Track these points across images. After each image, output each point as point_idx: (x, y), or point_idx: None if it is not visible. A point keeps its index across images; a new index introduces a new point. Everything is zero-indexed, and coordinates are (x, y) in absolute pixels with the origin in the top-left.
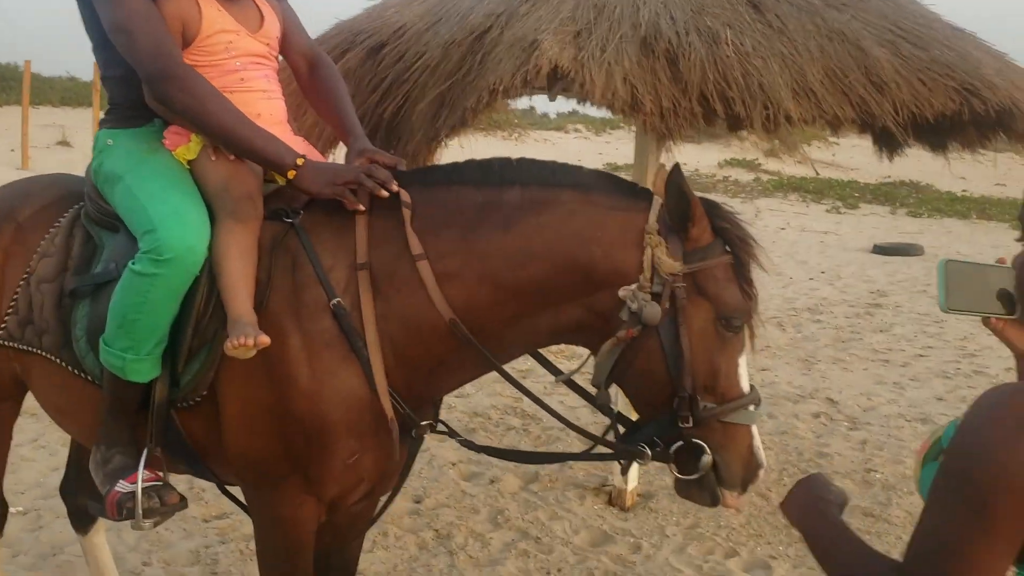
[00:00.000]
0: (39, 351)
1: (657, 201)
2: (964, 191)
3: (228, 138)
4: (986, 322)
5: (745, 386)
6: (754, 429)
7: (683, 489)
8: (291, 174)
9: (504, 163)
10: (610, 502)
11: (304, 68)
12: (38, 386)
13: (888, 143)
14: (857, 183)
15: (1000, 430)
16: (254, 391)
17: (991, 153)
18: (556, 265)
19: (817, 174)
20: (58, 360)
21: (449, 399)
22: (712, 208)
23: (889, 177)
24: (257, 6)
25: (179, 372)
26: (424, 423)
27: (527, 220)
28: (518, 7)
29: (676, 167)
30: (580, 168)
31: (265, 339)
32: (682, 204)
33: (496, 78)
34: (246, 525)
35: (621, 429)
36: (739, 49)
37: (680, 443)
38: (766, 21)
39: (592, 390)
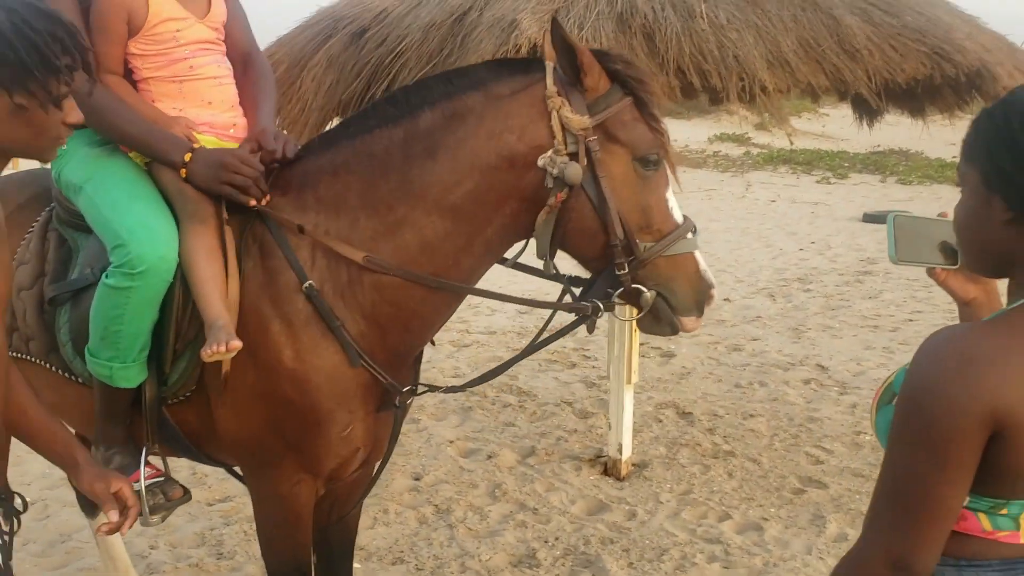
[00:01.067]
0: (28, 357)
1: (550, 66)
2: (954, 157)
3: (121, 137)
4: (930, 272)
5: (679, 218)
6: (697, 254)
7: (644, 326)
8: (183, 172)
9: (407, 90)
10: (605, 472)
11: (239, 65)
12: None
13: (867, 111)
14: (847, 153)
15: (944, 368)
16: (242, 379)
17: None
18: (485, 170)
19: (792, 144)
20: (48, 365)
21: (447, 379)
22: (601, 55)
23: (879, 146)
24: None
25: (166, 372)
26: (406, 389)
27: (446, 141)
28: None
29: (554, 22)
30: (473, 67)
31: (237, 343)
32: (571, 57)
33: (477, 58)
34: (249, 507)
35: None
36: (713, 22)
37: (623, 289)
38: None
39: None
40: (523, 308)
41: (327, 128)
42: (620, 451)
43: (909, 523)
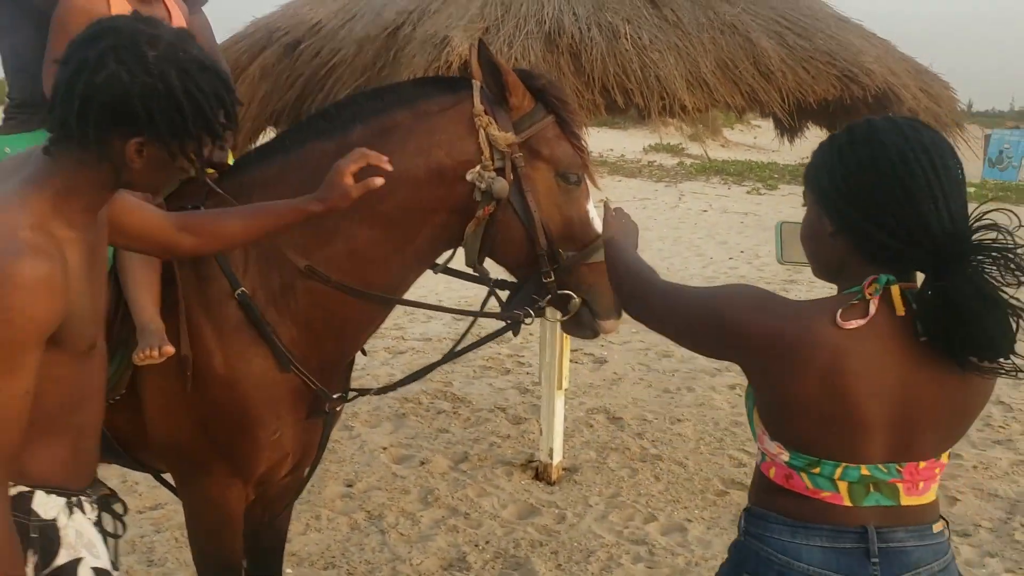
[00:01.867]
0: None
1: (476, 85)
2: None
3: None
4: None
5: (599, 228)
6: None
7: (568, 329)
8: None
9: (340, 106)
10: (537, 477)
11: None
12: None
13: (785, 127)
14: (777, 164)
15: (742, 304)
16: (173, 384)
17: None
18: (414, 183)
19: (707, 156)
20: None
21: (380, 386)
22: (525, 75)
23: (806, 158)
24: (167, 7)
25: None
26: (336, 395)
27: None
28: (429, 4)
29: (480, 44)
30: (402, 84)
31: (169, 348)
32: (496, 77)
33: (410, 73)
34: (179, 515)
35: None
36: (636, 43)
37: (550, 296)
38: (662, 15)
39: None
40: (476, 360)
41: (260, 138)
42: (551, 456)
43: None
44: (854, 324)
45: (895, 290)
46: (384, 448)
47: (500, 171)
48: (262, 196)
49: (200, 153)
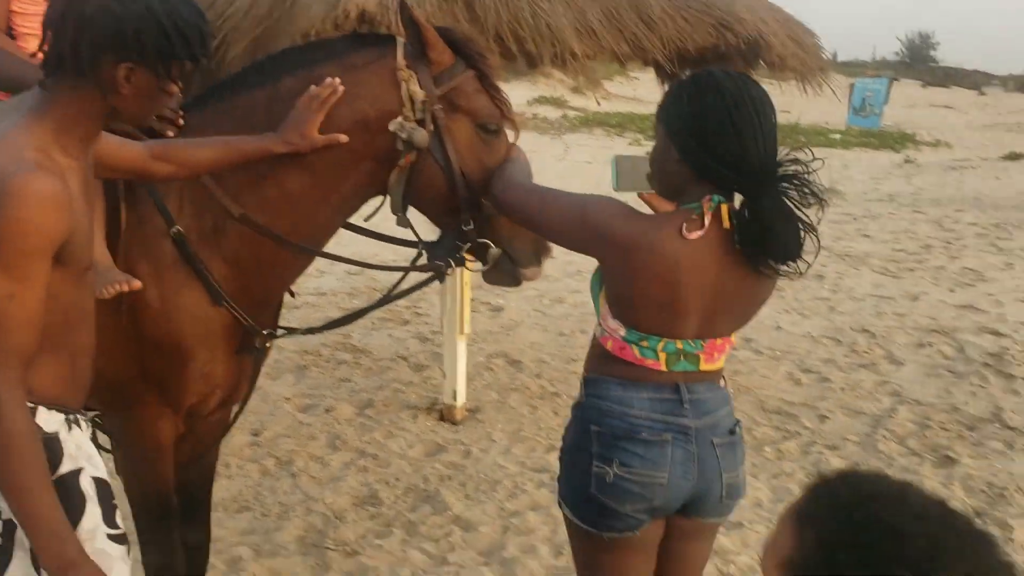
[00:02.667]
0: None
1: (400, 41)
2: None
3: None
4: (640, 196)
5: None
6: None
7: (489, 278)
8: None
9: (273, 58)
10: (442, 418)
11: None
12: None
13: (667, 76)
14: None
15: (609, 212)
16: (108, 318)
17: (777, 82)
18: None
19: (599, 104)
20: None
21: (279, 341)
22: (446, 32)
23: None
24: None
25: None
26: (266, 332)
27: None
28: None
29: (402, 3)
30: (332, 39)
31: (138, 284)
32: (417, 34)
33: (307, 23)
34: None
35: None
36: None
37: (470, 244)
38: None
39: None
40: (353, 269)
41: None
42: (455, 398)
43: None
44: (695, 235)
45: (724, 208)
46: (287, 398)
47: (421, 122)
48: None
49: (184, 77)
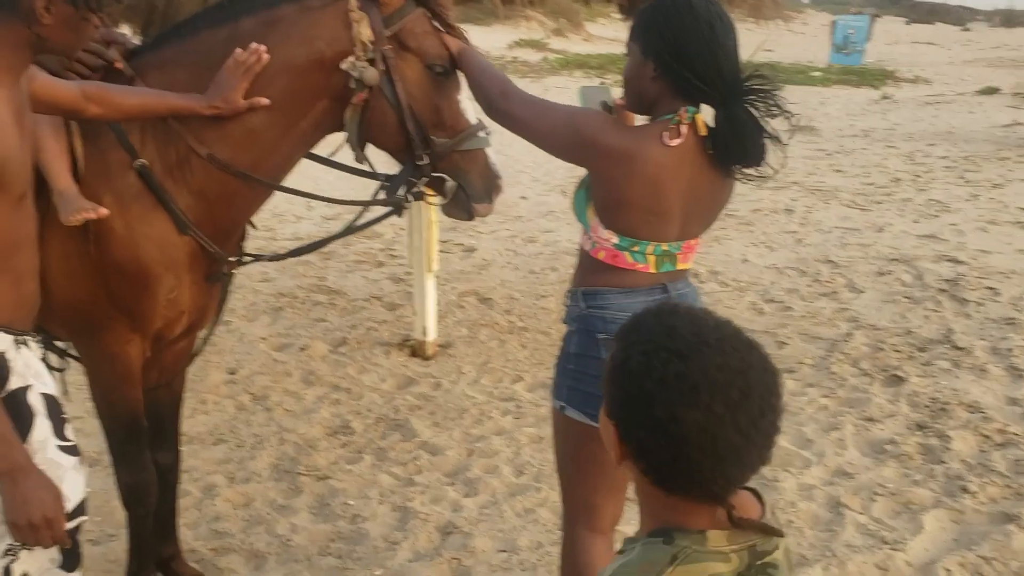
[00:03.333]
0: None
1: None
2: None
3: None
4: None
5: (471, 119)
6: (488, 151)
7: (446, 211)
8: None
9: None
10: (413, 354)
11: None
12: None
13: (628, 9)
14: None
15: (597, 124)
16: (75, 246)
17: (760, 21)
18: (297, 70)
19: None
20: None
21: (255, 284)
22: None
23: None
24: None
25: None
26: (232, 259)
27: (264, 43)
28: None
29: None
30: None
31: (105, 211)
32: None
33: None
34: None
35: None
36: None
37: (425, 179)
38: None
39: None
40: (329, 214)
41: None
42: (425, 334)
43: None
44: (675, 142)
45: (699, 117)
46: (263, 338)
47: (372, 62)
48: (158, 76)
49: (99, 7)
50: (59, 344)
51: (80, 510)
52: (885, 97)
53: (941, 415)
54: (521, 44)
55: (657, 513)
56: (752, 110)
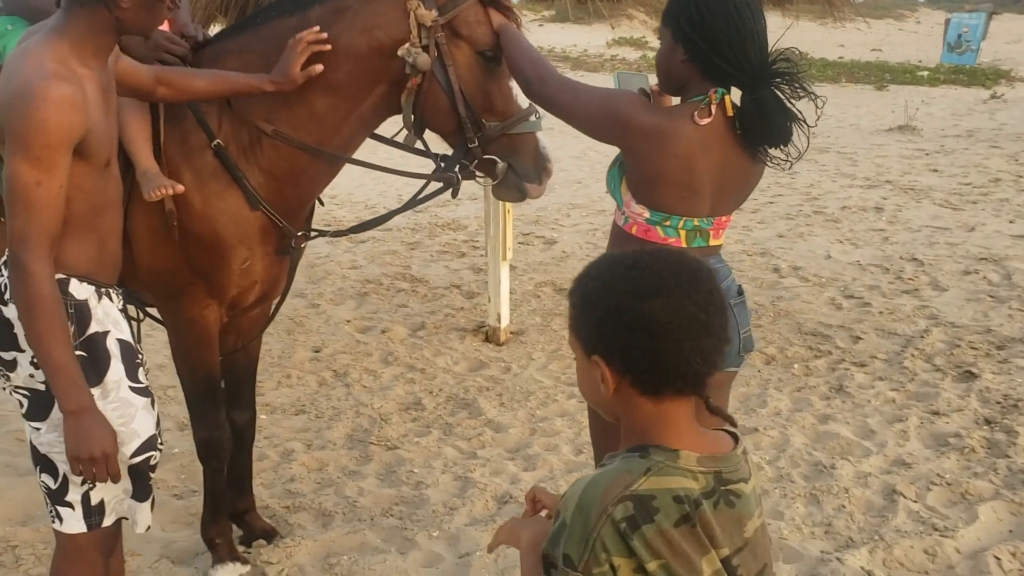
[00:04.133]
0: None
1: None
2: (840, 57)
3: None
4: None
5: (522, 104)
6: (539, 135)
7: (497, 193)
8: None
9: None
10: (487, 339)
11: None
12: None
13: None
14: None
15: (632, 103)
16: (158, 219)
17: (869, 20)
18: (359, 57)
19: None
20: None
21: (344, 271)
22: None
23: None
24: None
25: None
26: (299, 233)
27: (330, 31)
28: None
29: None
30: None
31: (181, 188)
32: None
33: None
34: (161, 377)
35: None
36: None
37: (477, 160)
38: None
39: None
40: (394, 204)
41: (212, 26)
42: (499, 320)
43: None
44: (705, 121)
45: (727, 99)
46: (348, 320)
47: (425, 48)
48: (235, 60)
49: None
50: (149, 310)
51: (150, 444)
52: (995, 96)
53: (1012, 411)
54: (620, 42)
55: (639, 431)
56: (779, 93)
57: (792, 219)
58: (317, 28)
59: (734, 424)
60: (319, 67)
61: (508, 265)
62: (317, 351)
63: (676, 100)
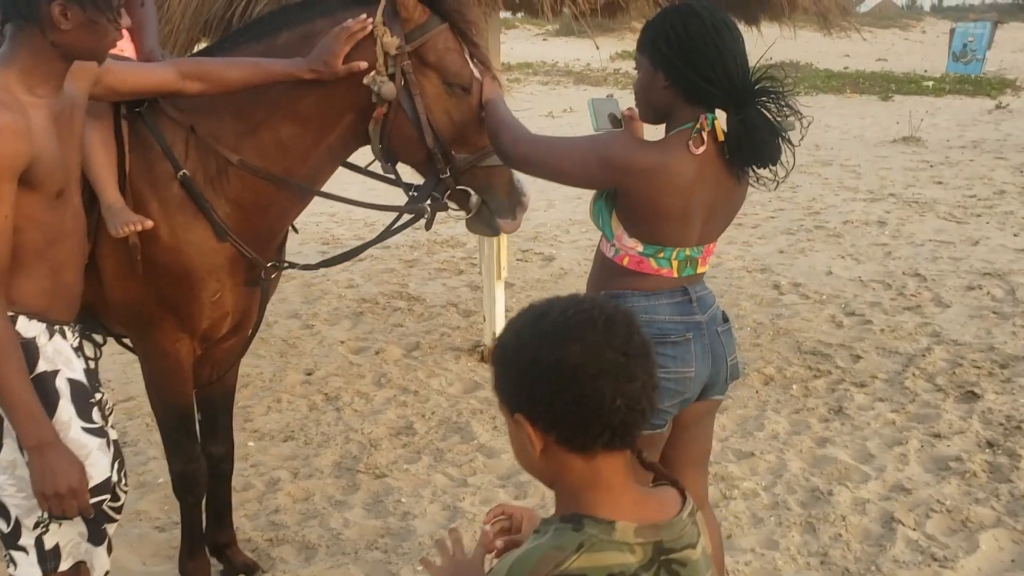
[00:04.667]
0: None
1: (382, 1)
2: (845, 68)
3: None
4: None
5: None
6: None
7: (470, 226)
8: None
9: (274, 14)
10: (482, 359)
11: None
12: None
13: None
14: None
15: (625, 145)
16: (125, 252)
17: (875, 30)
18: (326, 85)
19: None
20: None
21: (340, 290)
22: None
23: (770, 59)
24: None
25: None
26: (269, 264)
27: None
28: None
29: None
30: None
31: (149, 223)
32: None
33: None
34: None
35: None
36: None
37: (448, 191)
38: None
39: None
40: (364, 232)
41: (194, 48)
42: (494, 340)
43: None
44: (701, 150)
45: (717, 123)
46: (342, 341)
47: (392, 77)
48: None
49: (114, 10)
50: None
51: (103, 488)
52: (1000, 107)
53: (1015, 433)
54: (623, 56)
55: (573, 494)
56: (764, 112)
57: (793, 234)
58: (363, 16)
59: (675, 483)
60: (364, 64)
61: (503, 284)
62: (309, 373)
63: (648, 125)
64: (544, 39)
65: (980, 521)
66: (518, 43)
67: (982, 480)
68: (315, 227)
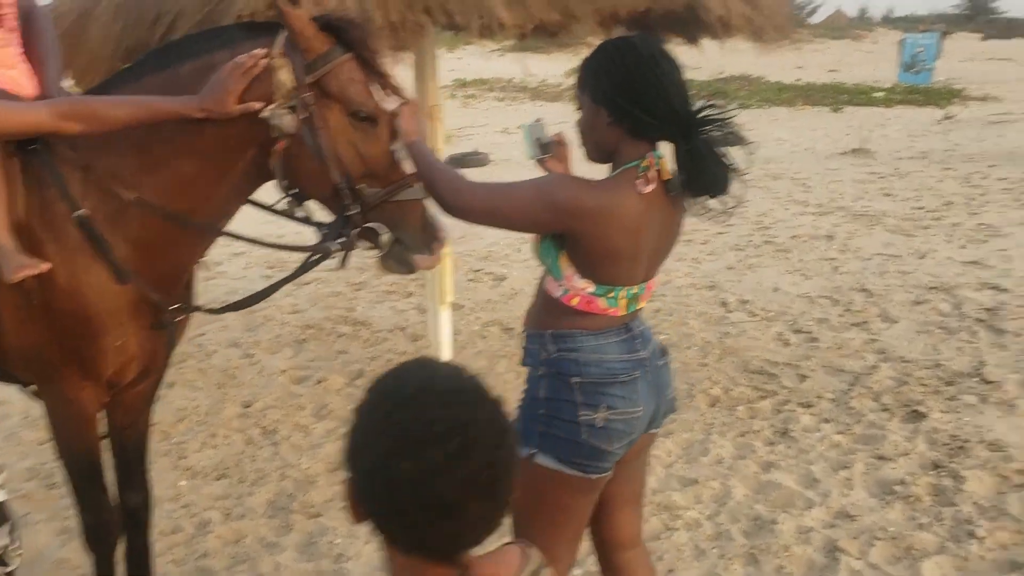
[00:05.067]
0: None
1: (283, 31)
2: (798, 80)
3: None
4: (539, 162)
5: (409, 169)
6: (426, 202)
7: (383, 264)
8: None
9: (175, 44)
10: None
11: (20, 23)
12: None
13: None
14: (693, 81)
15: (570, 187)
16: (23, 296)
17: (827, 41)
18: (225, 119)
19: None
20: None
21: (283, 316)
22: (324, 18)
23: (723, 73)
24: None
25: None
26: (174, 307)
27: (195, 91)
28: None
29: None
30: (232, 26)
31: (47, 265)
32: (288, 23)
33: (245, 5)
34: None
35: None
36: None
37: (358, 229)
38: None
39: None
40: (273, 266)
41: None
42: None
43: None
44: (649, 189)
45: (663, 162)
46: (283, 371)
47: (293, 109)
48: None
49: None
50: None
51: None
52: (948, 117)
53: (959, 454)
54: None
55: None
56: (710, 141)
57: (742, 250)
58: (258, 51)
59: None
60: (258, 105)
61: (449, 309)
62: (247, 406)
63: (574, 149)
64: (501, 54)
65: (924, 548)
66: (474, 59)
67: (926, 504)
68: (261, 250)
